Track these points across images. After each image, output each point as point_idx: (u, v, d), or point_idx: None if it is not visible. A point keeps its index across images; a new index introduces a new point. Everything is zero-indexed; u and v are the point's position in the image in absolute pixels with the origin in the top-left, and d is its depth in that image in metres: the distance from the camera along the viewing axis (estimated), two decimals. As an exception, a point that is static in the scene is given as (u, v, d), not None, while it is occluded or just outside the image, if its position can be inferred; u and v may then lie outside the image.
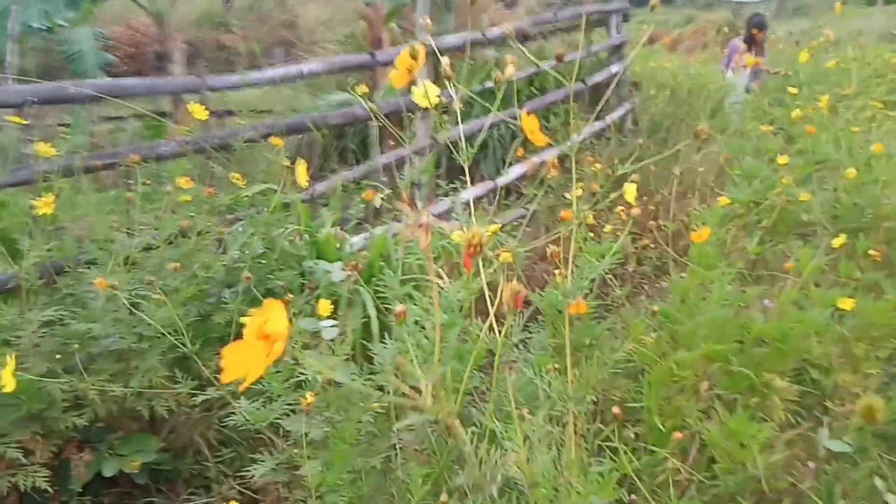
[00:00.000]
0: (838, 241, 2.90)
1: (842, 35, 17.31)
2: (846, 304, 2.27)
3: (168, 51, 8.89)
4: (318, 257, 3.23)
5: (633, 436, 2.36)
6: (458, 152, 1.87)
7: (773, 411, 2.42)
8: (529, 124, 1.55)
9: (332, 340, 1.84)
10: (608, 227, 4.08)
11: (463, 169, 1.91)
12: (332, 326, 1.83)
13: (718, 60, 7.23)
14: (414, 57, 1.39)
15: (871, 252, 2.79)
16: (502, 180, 4.99)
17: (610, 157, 5.24)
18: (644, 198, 4.66)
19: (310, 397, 1.59)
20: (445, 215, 4.66)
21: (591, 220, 3.30)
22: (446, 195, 4.84)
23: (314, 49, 9.00)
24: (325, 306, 1.93)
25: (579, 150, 5.52)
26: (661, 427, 2.27)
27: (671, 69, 6.62)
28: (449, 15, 6.18)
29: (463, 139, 1.83)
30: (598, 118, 5.78)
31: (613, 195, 4.52)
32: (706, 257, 2.48)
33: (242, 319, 1.11)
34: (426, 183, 4.62)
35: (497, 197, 4.91)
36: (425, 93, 1.86)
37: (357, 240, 3.69)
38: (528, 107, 5.16)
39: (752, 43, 7.35)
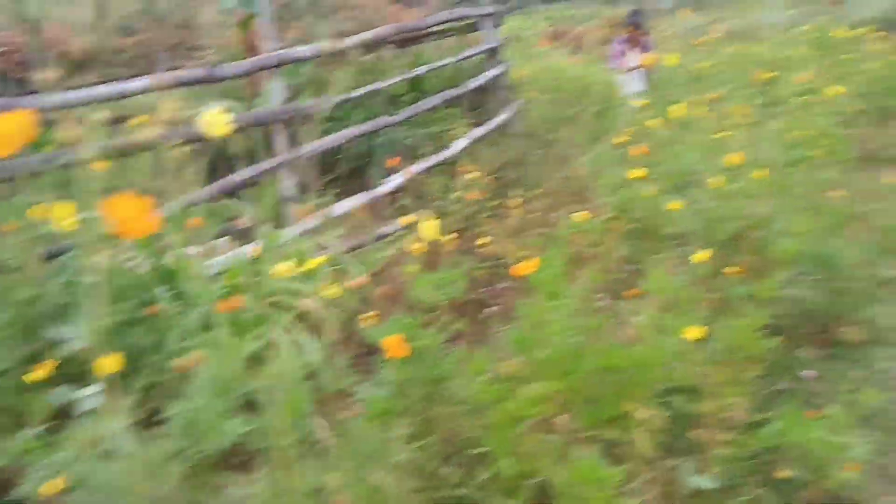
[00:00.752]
0: (700, 257, 2.82)
1: (742, 27, 17.95)
2: (695, 332, 2.16)
3: (33, 60, 8.22)
4: (168, 282, 2.92)
5: (487, 479, 2.19)
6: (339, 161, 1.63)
7: (639, 443, 2.29)
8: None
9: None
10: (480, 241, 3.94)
11: (351, 177, 1.69)
12: (95, 395, 1.55)
13: (605, 59, 7.22)
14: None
15: (728, 270, 2.71)
16: (382, 190, 4.76)
17: (490, 164, 5.10)
18: (525, 204, 4.53)
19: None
20: (319, 229, 4.40)
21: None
22: (329, 205, 4.61)
23: (192, 55, 8.51)
24: (110, 363, 1.64)
25: (462, 156, 5.36)
26: (509, 471, 2.10)
27: (556, 70, 6.55)
28: (322, 21, 5.89)
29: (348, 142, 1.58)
30: (480, 123, 5.63)
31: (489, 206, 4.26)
32: (548, 283, 2.32)
33: None
34: (296, 197, 4.34)
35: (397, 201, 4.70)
36: (213, 120, 1.60)
37: (218, 261, 3.37)
38: (405, 113, 4.95)
39: (634, 42, 7.36)
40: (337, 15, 11.03)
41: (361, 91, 4.89)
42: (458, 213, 4.33)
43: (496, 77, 5.91)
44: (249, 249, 3.24)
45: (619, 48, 7.34)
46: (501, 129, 5.67)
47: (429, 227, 2.26)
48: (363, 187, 4.96)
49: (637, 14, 7.94)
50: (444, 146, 5.32)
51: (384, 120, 4.76)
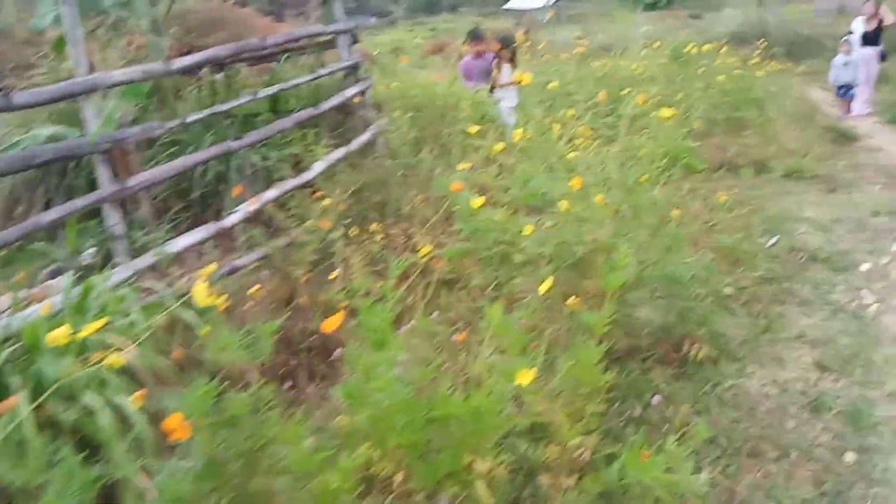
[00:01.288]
0: (545, 286, 2.73)
1: (610, 41, 18.56)
2: (525, 377, 2.04)
3: None
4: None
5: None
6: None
7: (480, 498, 2.15)
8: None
9: None
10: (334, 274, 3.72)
11: (205, 205, 1.41)
12: None
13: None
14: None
15: (570, 301, 2.64)
16: (230, 220, 4.45)
17: (350, 188, 4.90)
18: (384, 230, 4.36)
19: None
20: (151, 270, 4.05)
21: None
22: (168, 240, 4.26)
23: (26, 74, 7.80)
24: None
25: (320, 180, 5.13)
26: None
27: (425, 86, 6.44)
28: (159, 39, 5.51)
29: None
30: (341, 144, 5.42)
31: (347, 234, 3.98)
32: (376, 330, 2.16)
33: None
34: (123, 235, 3.96)
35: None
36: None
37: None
38: (253, 136, 4.66)
39: (500, 59, 7.42)
40: (212, 31, 10.52)
41: (202, 114, 4.56)
42: (312, 243, 4.09)
43: (358, 95, 5.72)
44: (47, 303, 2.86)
45: (472, 66, 7.37)
46: (363, 150, 5.48)
47: (199, 292, 2.03)
48: (216, 216, 4.64)
49: (506, 34, 8.05)
50: (303, 169, 5.08)
51: (228, 144, 4.46)
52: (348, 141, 5.49)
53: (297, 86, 5.32)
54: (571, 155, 3.90)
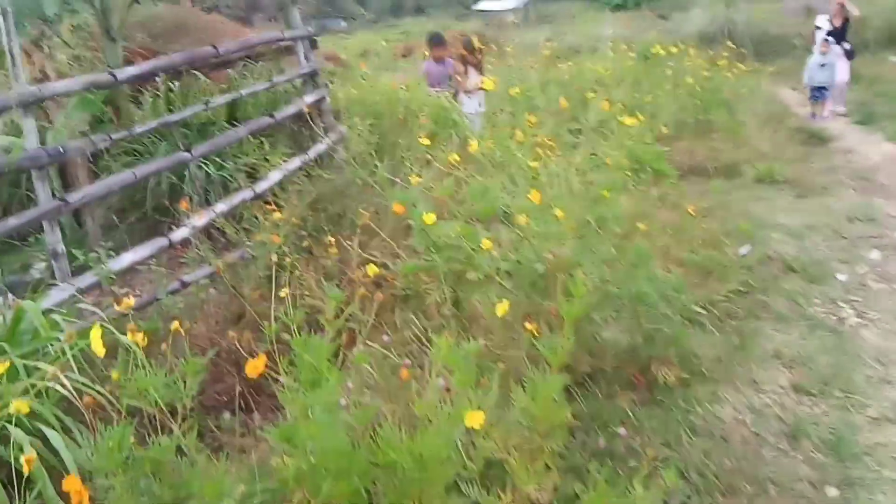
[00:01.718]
0: (501, 309, 2.52)
1: (579, 42, 18.43)
2: (475, 419, 1.82)
3: None
4: None
5: None
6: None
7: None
8: None
9: None
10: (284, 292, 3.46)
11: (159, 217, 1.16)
12: None
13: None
14: None
15: (529, 327, 2.42)
16: (178, 235, 4.18)
17: (306, 199, 4.65)
18: (339, 244, 4.11)
19: None
20: (95, 288, 3.77)
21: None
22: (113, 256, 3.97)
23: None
24: None
25: (275, 190, 4.87)
26: None
27: (388, 92, 6.19)
28: (113, 45, 5.22)
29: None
30: (298, 153, 5.16)
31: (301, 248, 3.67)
32: (308, 369, 1.93)
33: None
34: (62, 254, 3.69)
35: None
36: None
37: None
38: (204, 147, 4.39)
39: (467, 64, 7.23)
40: (178, 37, 10.21)
41: (151, 125, 4.28)
42: (263, 258, 3.84)
43: (317, 102, 5.47)
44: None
45: (433, 70, 7.17)
46: (322, 158, 5.23)
47: (95, 337, 1.79)
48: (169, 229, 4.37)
49: (466, 37, 7.85)
50: (258, 179, 4.82)
51: (179, 156, 4.19)
52: (306, 150, 5.24)
53: (252, 94, 5.05)
54: (533, 164, 3.70)
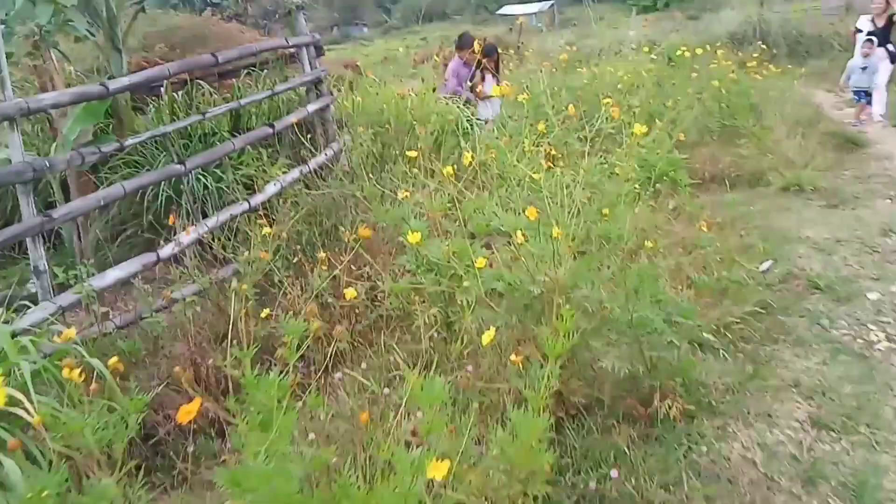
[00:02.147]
0: (487, 337, 2.30)
1: (604, 46, 18.13)
2: (438, 470, 1.61)
3: None
4: None
5: None
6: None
7: None
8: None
9: None
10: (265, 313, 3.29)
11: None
12: None
13: (440, 87, 6.79)
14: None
15: (516, 359, 2.20)
16: (167, 250, 4.05)
17: (305, 211, 4.49)
18: (332, 260, 3.93)
19: None
20: (78, 306, 3.65)
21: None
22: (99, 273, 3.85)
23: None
24: None
25: (275, 201, 4.71)
26: None
27: (396, 99, 6.03)
28: (119, 56, 5.12)
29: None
30: (300, 163, 5.01)
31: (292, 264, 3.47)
32: (261, 409, 1.74)
33: None
34: (44, 271, 3.57)
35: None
36: None
37: None
38: (199, 158, 4.25)
39: (484, 70, 7.04)
40: (196, 47, 10.21)
41: (142, 136, 4.16)
42: (252, 274, 3.67)
43: (321, 111, 5.32)
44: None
45: (460, 70, 6.98)
46: (324, 169, 5.07)
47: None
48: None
49: (490, 44, 7.64)
50: (257, 190, 4.68)
51: (171, 169, 4.06)
52: (307, 160, 5.08)
53: (252, 103, 4.91)
54: (536, 176, 3.47)
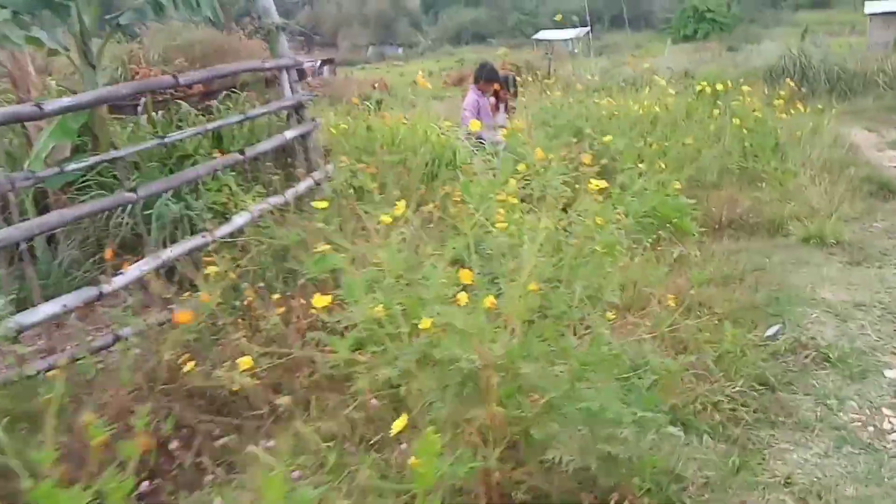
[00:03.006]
0: (399, 424, 1.94)
1: (635, 74, 17.74)
2: None
3: None
4: None
5: None
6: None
7: None
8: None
9: None
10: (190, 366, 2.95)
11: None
12: None
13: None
14: None
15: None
16: (113, 285, 3.75)
17: (270, 245, 4.16)
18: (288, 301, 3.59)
19: None
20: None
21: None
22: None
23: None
24: None
25: (243, 233, 4.40)
26: None
27: (388, 126, 5.72)
28: (92, 71, 4.91)
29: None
30: (277, 192, 4.70)
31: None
32: None
33: None
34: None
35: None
36: None
37: None
38: (158, 185, 3.97)
39: (499, 100, 6.70)
40: (217, 61, 10.11)
41: (90, 160, 3.89)
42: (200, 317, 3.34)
43: (302, 138, 5.03)
44: None
45: (475, 103, 6.62)
46: (302, 198, 4.76)
47: None
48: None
49: (508, 74, 7.29)
50: (226, 220, 4.38)
51: (121, 197, 3.77)
52: (286, 188, 4.78)
53: (225, 126, 4.63)
54: (501, 226, 3.09)
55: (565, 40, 35.03)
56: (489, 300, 2.17)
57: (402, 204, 3.42)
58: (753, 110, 7.10)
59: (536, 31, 35.51)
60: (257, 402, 2.87)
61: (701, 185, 6.49)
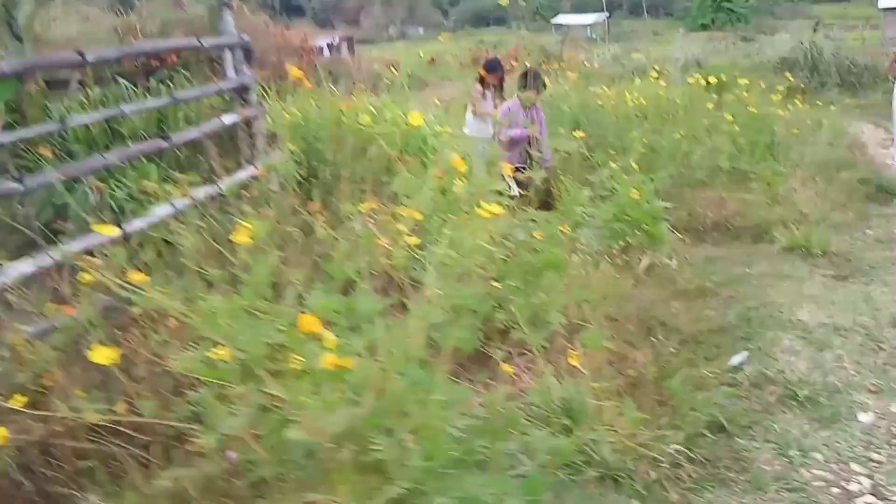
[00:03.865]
0: None
1: (647, 63, 17.22)
2: None
3: None
4: None
5: None
6: None
7: None
8: None
9: None
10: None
11: None
12: None
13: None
14: None
15: None
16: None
17: (194, 243, 3.75)
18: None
19: None
20: None
21: None
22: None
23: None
24: None
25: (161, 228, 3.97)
26: None
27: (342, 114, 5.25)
28: (20, 45, 4.50)
29: None
30: (212, 181, 4.28)
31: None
32: None
33: None
34: None
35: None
36: None
37: None
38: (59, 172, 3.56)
39: (485, 86, 6.19)
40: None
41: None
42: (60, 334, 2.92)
43: (247, 124, 4.61)
44: None
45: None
46: (242, 190, 4.35)
47: None
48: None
49: (493, 59, 6.74)
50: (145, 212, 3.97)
51: (5, 187, 3.35)
52: (222, 178, 4.36)
53: (142, 110, 4.19)
54: (412, 241, 2.68)
55: (584, 25, 34.42)
56: (330, 359, 1.71)
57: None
58: (749, 105, 6.63)
59: (556, 15, 34.92)
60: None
61: (689, 184, 6.07)
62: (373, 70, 17.30)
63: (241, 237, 1.88)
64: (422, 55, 27.43)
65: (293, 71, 5.64)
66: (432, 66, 25.96)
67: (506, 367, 2.56)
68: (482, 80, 6.07)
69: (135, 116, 4.75)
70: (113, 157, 3.76)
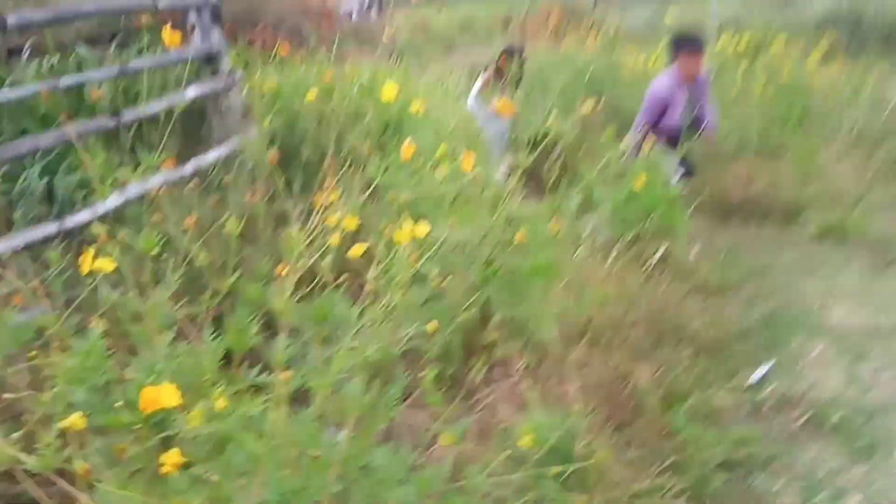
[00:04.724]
0: None
1: (683, 24, 16.45)
2: None
3: None
4: None
5: None
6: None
7: None
8: None
9: None
10: None
11: None
12: None
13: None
14: None
15: None
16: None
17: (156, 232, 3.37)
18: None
19: None
20: None
21: None
22: None
23: None
24: None
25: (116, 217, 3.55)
26: None
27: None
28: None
29: None
30: (181, 161, 3.89)
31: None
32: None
33: None
34: None
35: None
36: None
37: None
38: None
39: (501, 76, 5.51)
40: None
41: None
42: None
43: (214, 98, 4.19)
44: None
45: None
46: (215, 169, 3.96)
47: None
48: None
49: (511, 45, 6.02)
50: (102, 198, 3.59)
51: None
52: (192, 157, 3.97)
53: (91, 81, 3.75)
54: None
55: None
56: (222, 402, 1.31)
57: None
58: (782, 70, 6.02)
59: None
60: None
61: (714, 159, 5.52)
62: (401, 34, 16.68)
63: (95, 264, 1.47)
64: (453, 17, 26.53)
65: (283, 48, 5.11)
66: (464, 28, 25.15)
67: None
68: (499, 70, 5.37)
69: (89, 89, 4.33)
70: (52, 137, 3.36)
